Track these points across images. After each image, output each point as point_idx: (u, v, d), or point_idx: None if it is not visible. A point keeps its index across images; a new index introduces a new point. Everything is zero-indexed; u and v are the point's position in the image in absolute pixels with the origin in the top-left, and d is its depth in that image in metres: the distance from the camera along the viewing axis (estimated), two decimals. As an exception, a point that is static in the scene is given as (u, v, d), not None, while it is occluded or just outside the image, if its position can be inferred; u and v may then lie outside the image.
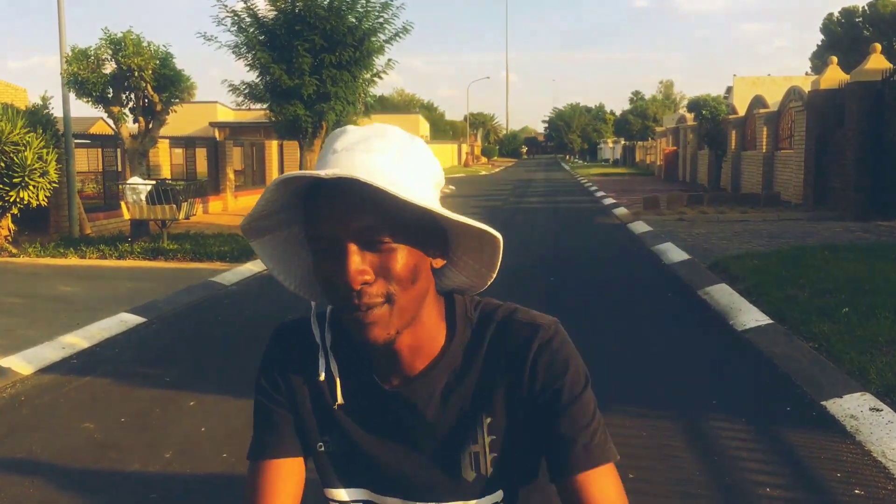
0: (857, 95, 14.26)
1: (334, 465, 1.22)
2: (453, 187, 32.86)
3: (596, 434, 1.12)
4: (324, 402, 1.21)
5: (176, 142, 18.77)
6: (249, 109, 17.18)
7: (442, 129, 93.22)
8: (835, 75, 16.07)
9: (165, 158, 16.48)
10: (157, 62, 12.36)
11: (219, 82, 18.82)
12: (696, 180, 29.86)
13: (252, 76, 16.70)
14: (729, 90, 49.75)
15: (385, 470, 1.19)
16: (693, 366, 5.60)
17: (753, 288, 7.69)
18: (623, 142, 68.56)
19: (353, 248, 1.03)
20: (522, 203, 23.12)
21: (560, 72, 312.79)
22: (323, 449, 1.22)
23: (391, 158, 1.07)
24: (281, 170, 23.39)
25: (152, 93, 12.51)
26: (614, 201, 21.34)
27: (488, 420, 1.16)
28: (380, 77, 17.70)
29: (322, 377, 1.20)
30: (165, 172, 16.34)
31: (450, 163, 63.67)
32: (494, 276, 1.21)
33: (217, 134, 41.27)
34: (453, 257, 1.20)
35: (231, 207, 19.43)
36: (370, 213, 1.03)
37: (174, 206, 10.87)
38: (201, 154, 21.23)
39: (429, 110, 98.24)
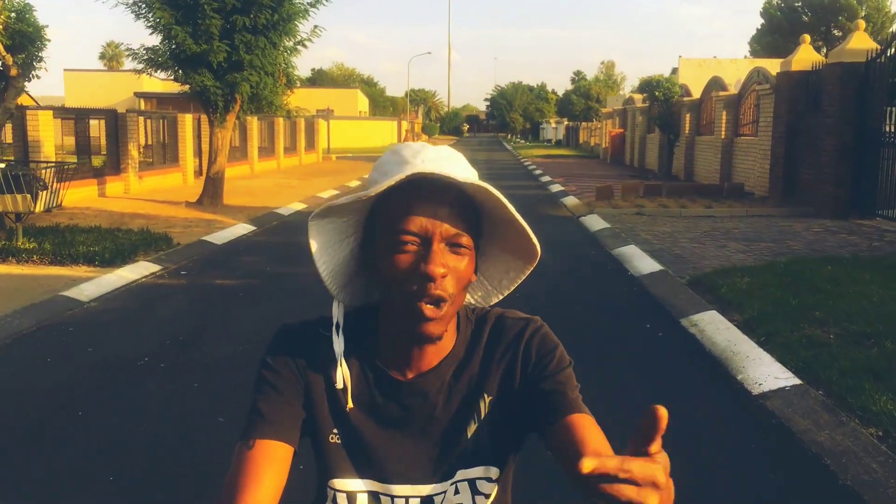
0: (838, 78, 12.75)
1: (343, 457, 1.29)
2: (390, 167, 30.86)
3: (578, 392, 1.27)
4: (335, 401, 1.28)
5: (63, 113, 16.36)
6: (150, 76, 14.92)
7: (382, 105, 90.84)
8: (807, 56, 14.58)
9: (48, 133, 14.11)
10: (11, 15, 10.03)
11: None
12: (644, 165, 28.44)
13: (155, 40, 14.42)
14: (674, 71, 48.73)
15: (393, 459, 1.29)
16: (704, 469, 3.82)
17: (756, 322, 5.99)
18: (566, 122, 67.22)
19: (442, 246, 1.18)
20: (463, 188, 21.29)
21: (502, 49, 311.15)
22: (333, 441, 1.29)
23: (473, 175, 1.22)
24: (198, 147, 21.06)
25: (4, 53, 10.19)
26: (562, 188, 19.65)
27: (489, 398, 1.30)
28: (304, 45, 15.60)
29: (339, 385, 1.27)
30: (48, 150, 13.98)
31: (388, 140, 61.45)
32: (500, 299, 1.39)
33: (142, 105, 38.37)
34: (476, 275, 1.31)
35: (134, 190, 17.13)
36: (463, 220, 1.19)
37: (28, 195, 8.68)
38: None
39: (369, 85, 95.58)
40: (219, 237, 11.26)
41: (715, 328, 6.05)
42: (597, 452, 1.13)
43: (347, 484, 1.28)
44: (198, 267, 9.16)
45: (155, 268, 8.84)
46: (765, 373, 4.98)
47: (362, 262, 1.30)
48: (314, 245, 1.28)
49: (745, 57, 55.63)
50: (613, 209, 14.16)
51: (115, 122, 16.91)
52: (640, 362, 5.51)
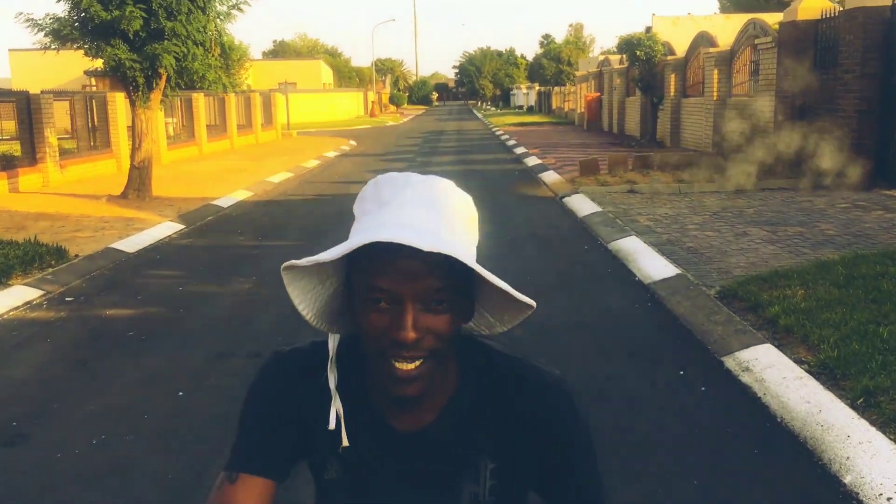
0: (860, 25, 10.93)
1: (337, 494, 1.25)
2: (354, 143, 28.81)
3: (596, 482, 1.21)
4: (329, 436, 1.23)
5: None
6: (57, 51, 12.77)
7: (347, 76, 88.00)
8: (816, 2, 12.74)
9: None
10: None
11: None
12: (624, 131, 26.60)
13: (60, 7, 12.26)
14: (648, 30, 46.80)
15: (388, 500, 1.23)
16: None
17: (839, 367, 4.19)
18: (538, 87, 65.12)
19: (415, 307, 1.09)
20: (431, 165, 19.33)
21: (469, 15, 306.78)
22: (329, 476, 1.25)
23: (460, 225, 1.13)
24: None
25: None
26: (539, 161, 17.76)
27: (491, 466, 1.21)
28: (239, 10, 13.45)
29: (332, 426, 1.22)
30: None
31: (354, 113, 59.08)
32: (505, 329, 1.27)
33: (94, 84, 35.67)
34: (475, 314, 1.26)
35: (55, 182, 15.01)
36: (436, 278, 1.09)
37: None
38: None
39: (333, 56, 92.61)
40: (132, 242, 9.28)
41: (779, 377, 4.25)
42: None
43: None
44: (90, 290, 7.21)
45: (33, 294, 6.88)
46: (889, 473, 3.20)
47: (347, 301, 1.22)
48: (292, 293, 1.21)
49: (715, 14, 53.68)
50: (601, 187, 12.32)
51: (28, 104, 14.74)
52: (685, 443, 3.70)
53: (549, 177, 14.75)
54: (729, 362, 4.66)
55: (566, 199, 11.83)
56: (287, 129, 34.43)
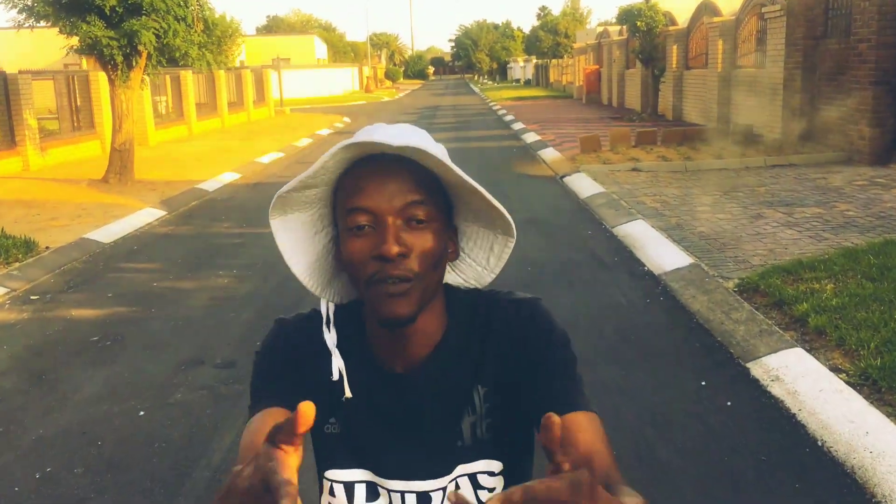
0: (876, -8, 10.32)
1: (340, 447, 1.26)
2: (348, 119, 28.16)
3: (579, 384, 1.20)
4: (331, 393, 1.24)
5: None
6: (31, 29, 12.17)
7: (342, 52, 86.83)
8: (827, -32, 12.11)
9: None
10: None
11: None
12: (624, 104, 25.97)
13: (34, -18, 11.59)
14: (647, 0, 45.93)
15: (390, 451, 1.24)
16: None
17: (883, 378, 3.70)
18: (535, 60, 64.19)
19: (395, 222, 1.11)
20: (426, 142, 18.71)
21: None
22: (330, 431, 1.26)
23: (435, 148, 1.13)
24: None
25: None
26: (538, 138, 17.18)
27: (484, 390, 1.23)
28: (223, -18, 12.84)
29: (336, 377, 1.23)
30: None
31: (349, 88, 58.22)
32: (494, 277, 1.30)
33: (85, 64, 34.89)
34: (461, 254, 1.29)
35: (36, 165, 14.43)
36: (415, 191, 1.11)
37: None
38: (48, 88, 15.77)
39: (327, 31, 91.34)
40: (110, 231, 8.75)
41: (815, 390, 3.76)
42: (586, 461, 1.09)
43: (344, 475, 1.26)
44: (58, 287, 6.70)
45: (-6, 293, 6.39)
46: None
47: (336, 257, 1.23)
48: (281, 244, 1.22)
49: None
50: (603, 165, 11.77)
51: (5, 85, 14.12)
52: (714, 475, 3.21)
53: (549, 154, 14.19)
54: (755, 370, 4.17)
55: (567, 179, 11.29)
56: (280, 107, 33.72)
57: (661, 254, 6.53)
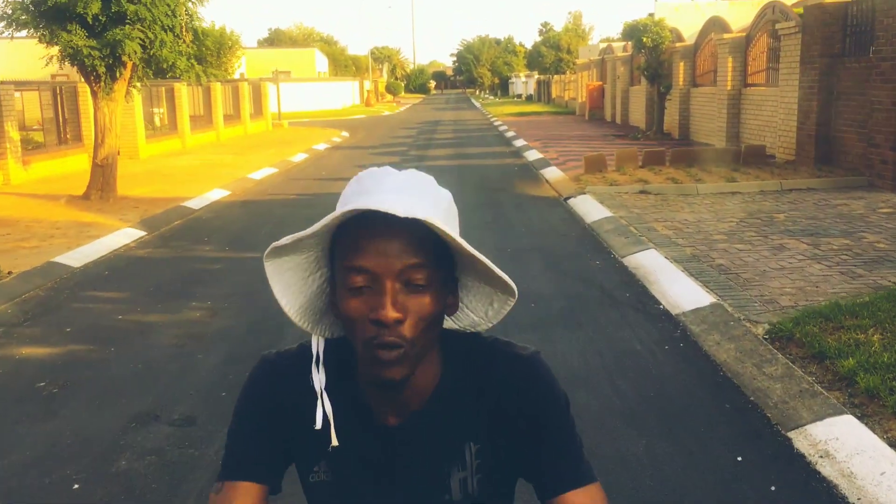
0: (901, 7, 9.77)
1: (327, 495, 1.24)
2: (346, 134, 27.62)
3: (579, 452, 1.20)
4: (317, 438, 1.21)
5: None
6: (11, 38, 11.63)
7: (343, 65, 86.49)
8: (846, -17, 11.57)
9: None
10: None
11: None
12: (629, 122, 25.44)
13: (14, -10, 11.04)
14: (651, 17, 45.42)
15: (376, 501, 1.22)
16: None
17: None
18: (537, 75, 63.78)
19: (394, 286, 1.08)
20: (425, 160, 18.14)
21: (467, 1, 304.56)
22: (315, 479, 1.24)
23: (438, 208, 1.11)
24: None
25: None
26: (540, 156, 16.60)
27: (476, 447, 1.21)
28: (214, -9, 12.30)
29: (319, 426, 1.20)
30: None
31: (349, 102, 57.75)
32: (490, 326, 1.28)
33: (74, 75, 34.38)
34: (459, 304, 1.26)
35: (17, 179, 13.85)
36: (415, 254, 1.09)
37: None
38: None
39: (328, 44, 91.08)
40: (81, 254, 8.14)
41: (876, 473, 3.13)
42: None
43: None
44: (12, 320, 6.07)
45: (-59, 326, 5.76)
46: None
47: (330, 300, 1.21)
48: (275, 287, 1.21)
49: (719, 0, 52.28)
50: (610, 186, 11.17)
51: (-14, 96, 13.56)
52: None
53: (552, 174, 13.60)
54: (799, 441, 3.54)
55: (572, 201, 10.69)
56: (278, 120, 33.19)
57: (678, 290, 5.91)
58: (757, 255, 6.81)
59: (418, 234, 1.08)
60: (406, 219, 1.05)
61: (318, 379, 1.21)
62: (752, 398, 4.05)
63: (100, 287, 7.10)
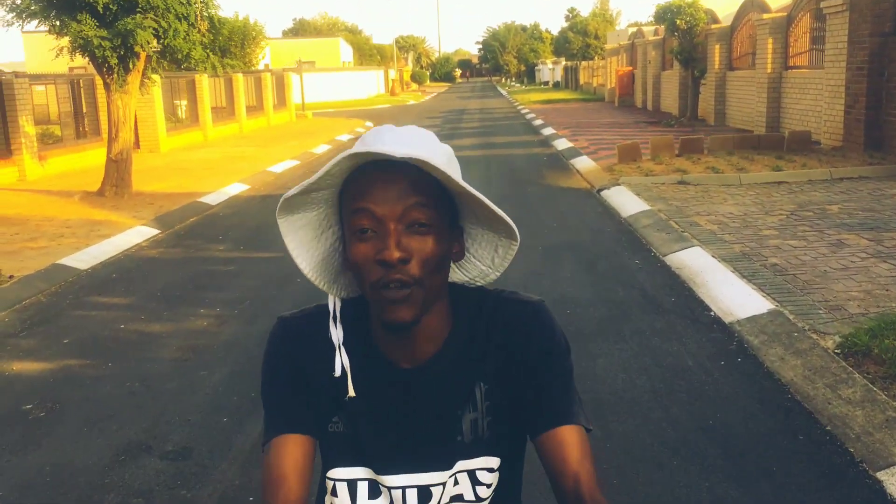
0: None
1: (343, 445, 1.28)
2: (370, 124, 27.14)
3: (574, 395, 1.25)
4: (335, 391, 1.26)
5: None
6: (21, 29, 11.29)
7: (368, 55, 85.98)
8: (898, -44, 10.83)
9: None
10: None
11: None
12: (660, 108, 24.70)
13: (24, -21, 10.64)
14: None
15: (392, 447, 1.26)
16: None
17: None
18: (564, 62, 62.81)
19: (397, 227, 1.13)
20: (450, 149, 17.58)
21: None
22: (333, 429, 1.28)
23: (437, 154, 1.16)
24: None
25: None
26: (570, 144, 16.00)
27: (485, 388, 1.26)
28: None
29: (338, 373, 1.25)
30: None
31: (374, 92, 57.27)
32: (498, 275, 1.32)
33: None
34: (466, 254, 1.30)
35: (33, 175, 13.53)
36: (415, 195, 1.13)
37: None
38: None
39: (353, 34, 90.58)
40: (89, 255, 7.73)
41: None
42: (575, 477, 1.17)
43: (347, 473, 1.28)
44: (11, 328, 5.66)
45: (-68, 337, 5.36)
46: None
47: (343, 257, 1.26)
48: (289, 244, 1.25)
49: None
50: (646, 176, 10.58)
51: (0, 90, 13.23)
52: None
53: (583, 163, 13.01)
54: (892, 485, 2.99)
55: (605, 193, 10.11)
56: (301, 111, 32.78)
57: (730, 294, 5.35)
58: (814, 253, 6.21)
59: (420, 178, 1.13)
60: (406, 164, 1.11)
61: (336, 333, 1.25)
62: (828, 427, 3.50)
63: (105, 292, 6.67)
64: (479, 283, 1.33)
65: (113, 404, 4.25)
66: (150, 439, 3.79)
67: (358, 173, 1.14)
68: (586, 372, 4.23)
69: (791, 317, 4.74)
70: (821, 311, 4.81)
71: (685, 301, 5.49)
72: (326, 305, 1.28)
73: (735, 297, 5.25)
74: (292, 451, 1.23)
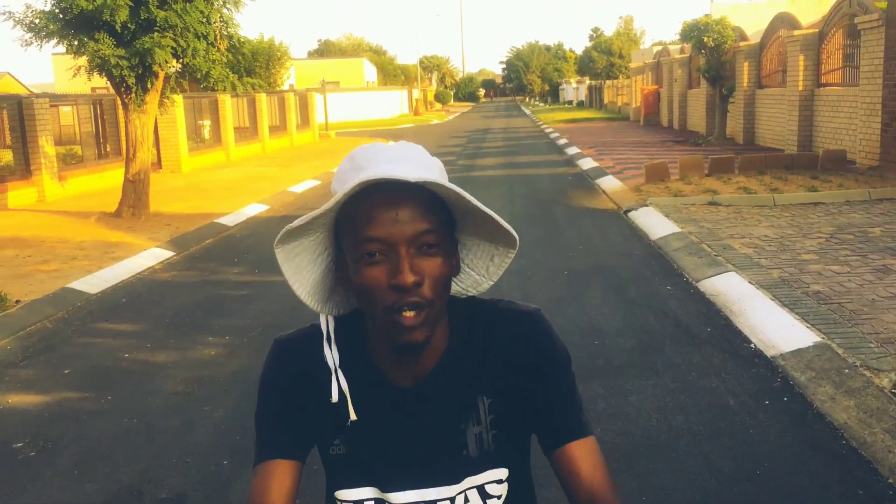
0: None
1: (346, 468, 1.26)
2: (393, 143, 26.92)
3: (580, 407, 1.24)
4: (335, 413, 1.24)
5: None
6: (39, 48, 11.21)
7: (392, 74, 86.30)
8: (937, -31, 10.45)
9: None
10: None
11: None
12: (687, 127, 24.31)
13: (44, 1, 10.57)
14: (708, 17, 43.89)
15: (397, 466, 1.24)
16: None
17: None
18: (588, 81, 62.52)
19: (409, 251, 1.12)
20: (473, 169, 17.34)
21: (516, 9, 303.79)
22: (335, 452, 1.27)
23: (435, 172, 1.16)
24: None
25: None
26: (595, 164, 15.65)
27: (488, 401, 1.24)
28: (250, -3, 11.69)
29: (335, 399, 1.23)
30: None
31: (398, 111, 57.33)
32: (492, 284, 1.32)
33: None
34: (461, 266, 1.30)
35: (53, 196, 13.43)
36: (425, 219, 1.12)
37: None
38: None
39: (377, 54, 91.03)
40: (100, 279, 7.52)
41: None
42: (589, 490, 1.17)
43: (354, 494, 1.26)
44: (12, 357, 5.42)
45: (-71, 366, 5.12)
46: None
47: (337, 276, 1.25)
48: (287, 272, 1.24)
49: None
50: (675, 197, 10.21)
51: (20, 111, 13.17)
52: None
53: (609, 183, 12.66)
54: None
55: (632, 214, 9.76)
56: (325, 131, 32.73)
57: (771, 325, 4.98)
58: (859, 280, 5.83)
59: (425, 199, 1.12)
60: (412, 185, 1.10)
61: (332, 356, 1.24)
62: (890, 480, 3.13)
63: (113, 318, 6.43)
64: (470, 293, 1.32)
65: (108, 443, 3.97)
66: (144, 484, 3.50)
67: (361, 198, 1.11)
68: (617, 411, 3.89)
69: (840, 351, 4.37)
70: (872, 345, 4.43)
71: (722, 331, 5.13)
72: (319, 325, 1.28)
73: (777, 328, 4.89)
74: (280, 477, 1.22)
